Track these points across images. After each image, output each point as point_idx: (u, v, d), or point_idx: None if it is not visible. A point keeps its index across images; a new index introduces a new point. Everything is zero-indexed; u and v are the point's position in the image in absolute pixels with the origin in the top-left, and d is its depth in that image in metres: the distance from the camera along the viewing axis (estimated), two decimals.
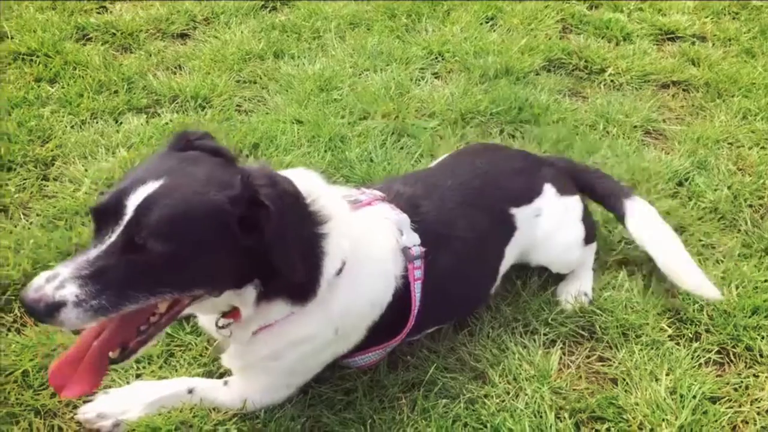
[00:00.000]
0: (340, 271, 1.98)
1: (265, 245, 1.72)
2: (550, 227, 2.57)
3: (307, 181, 1.99)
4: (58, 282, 1.58)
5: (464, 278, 2.37)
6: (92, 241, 1.67)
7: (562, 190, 2.62)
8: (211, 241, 1.69)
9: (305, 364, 2.16)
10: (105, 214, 1.67)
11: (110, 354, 1.78)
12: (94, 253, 1.62)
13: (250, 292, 1.87)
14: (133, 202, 1.64)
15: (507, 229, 2.50)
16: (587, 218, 2.71)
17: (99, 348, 1.77)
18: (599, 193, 2.81)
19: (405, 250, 2.16)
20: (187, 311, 1.92)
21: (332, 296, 1.98)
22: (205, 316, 2.15)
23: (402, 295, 2.16)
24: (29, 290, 1.58)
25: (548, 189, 2.58)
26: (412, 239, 2.19)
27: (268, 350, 2.05)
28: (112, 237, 1.63)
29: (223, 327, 2.00)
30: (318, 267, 1.93)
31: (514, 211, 2.49)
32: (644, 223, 2.68)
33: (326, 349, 2.13)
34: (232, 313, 1.97)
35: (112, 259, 1.62)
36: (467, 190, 2.43)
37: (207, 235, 1.68)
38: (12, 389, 2.18)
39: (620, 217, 2.73)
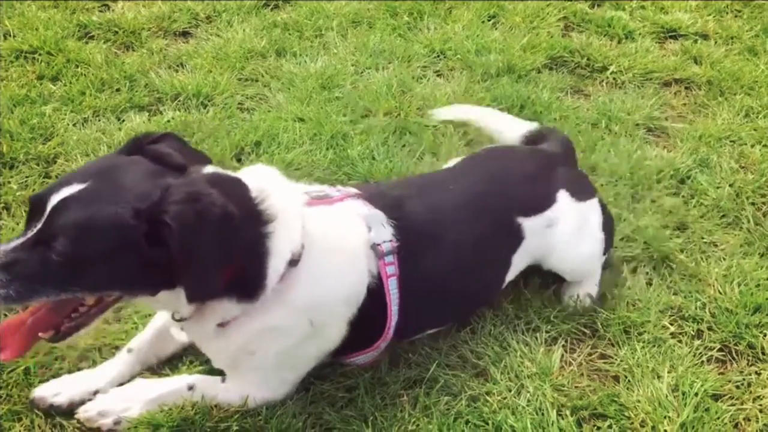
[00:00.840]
0: (296, 263, 1.98)
1: (174, 261, 1.73)
2: (567, 236, 2.48)
3: (260, 179, 2.01)
4: None
5: (456, 280, 2.32)
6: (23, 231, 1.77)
7: (579, 196, 2.52)
8: (112, 251, 1.74)
9: (290, 358, 2.14)
10: (33, 207, 1.77)
11: (40, 334, 1.87)
12: (12, 244, 1.73)
13: (180, 294, 1.85)
14: (53, 200, 1.72)
15: (513, 237, 2.43)
16: (608, 223, 2.62)
17: (33, 323, 1.88)
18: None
19: (374, 247, 2.14)
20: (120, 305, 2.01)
21: (291, 288, 1.98)
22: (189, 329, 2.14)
23: (379, 291, 2.14)
24: None
25: (563, 197, 2.49)
26: (381, 235, 2.16)
27: (237, 344, 2.04)
28: (33, 231, 1.72)
29: (179, 320, 2.02)
30: (262, 266, 1.93)
31: (521, 220, 2.42)
32: None
33: (307, 342, 2.12)
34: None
35: (25, 252, 1.71)
36: (468, 194, 2.39)
37: (108, 244, 1.73)
38: (14, 387, 2.19)
39: None
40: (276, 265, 1.95)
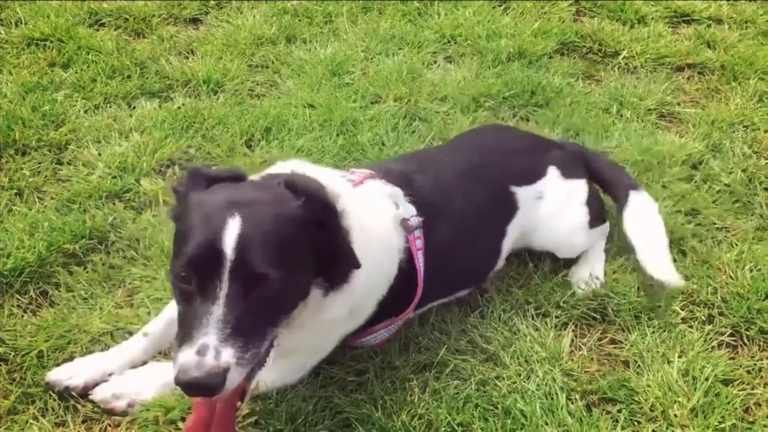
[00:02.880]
0: None
1: (333, 241, 1.80)
2: (552, 211, 2.58)
3: (305, 169, 2.04)
4: (214, 351, 1.58)
5: (463, 248, 2.38)
6: (199, 298, 1.64)
7: (568, 174, 2.62)
8: (305, 250, 1.77)
9: (321, 345, 2.18)
10: (202, 265, 1.65)
11: (237, 403, 1.81)
12: (219, 309, 1.62)
13: (314, 293, 1.91)
14: (228, 244, 1.64)
15: (508, 206, 2.52)
16: (593, 201, 2.69)
17: (226, 404, 1.78)
18: (607, 181, 2.81)
19: (404, 222, 2.19)
20: None
21: (355, 274, 1.99)
22: None
23: (406, 266, 2.18)
24: (191, 371, 1.55)
25: (552, 171, 2.59)
26: (409, 210, 2.22)
27: (300, 337, 2.04)
28: (223, 287, 1.63)
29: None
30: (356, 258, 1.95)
31: (514, 189, 2.51)
32: (639, 213, 2.68)
33: (340, 328, 2.15)
34: None
35: (239, 307, 1.63)
36: (466, 165, 2.47)
37: (301, 245, 1.76)
38: (27, 370, 2.21)
39: (620, 207, 2.72)
40: (354, 241, 1.97)
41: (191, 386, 1.57)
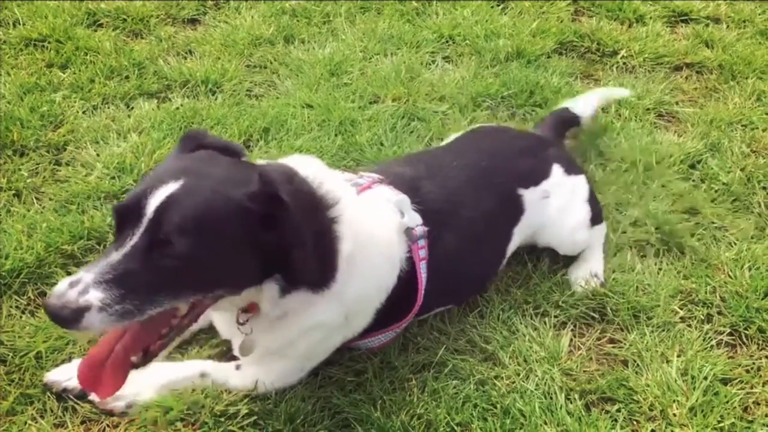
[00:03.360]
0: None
1: (284, 242, 1.72)
2: (558, 209, 2.58)
3: (311, 166, 2.00)
4: (82, 287, 1.58)
5: (469, 257, 2.36)
6: (113, 243, 1.67)
7: (570, 170, 2.63)
8: (233, 238, 1.70)
9: (317, 350, 2.18)
10: (126, 215, 1.66)
11: (132, 358, 1.79)
12: (116, 256, 1.62)
13: (271, 287, 1.87)
14: (153, 203, 1.64)
15: (515, 209, 2.50)
16: (593, 199, 2.70)
17: (122, 352, 1.78)
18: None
19: (408, 231, 2.17)
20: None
21: (343, 281, 1.98)
22: (221, 316, 2.15)
23: (407, 276, 2.16)
24: (52, 296, 1.58)
25: (556, 170, 2.59)
26: (414, 219, 2.20)
27: (284, 339, 2.06)
28: (134, 239, 1.63)
29: (243, 323, 2.00)
30: (334, 251, 1.93)
31: (522, 192, 2.50)
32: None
33: (337, 333, 2.15)
34: (250, 306, 1.98)
35: (135, 262, 1.62)
36: (473, 170, 2.44)
37: (229, 231, 1.69)
38: (26, 371, 2.21)
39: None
40: (345, 249, 1.94)
41: (47, 311, 1.58)
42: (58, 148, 3.16)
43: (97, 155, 3.09)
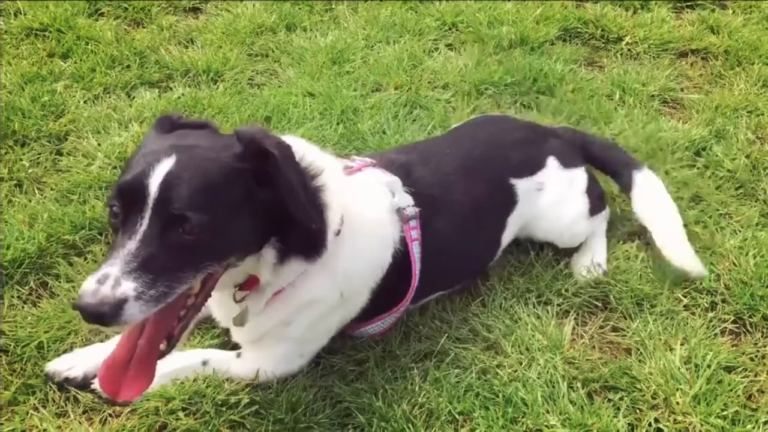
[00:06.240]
0: (338, 232, 1.99)
1: (279, 194, 1.74)
2: (552, 202, 2.57)
3: (293, 142, 1.99)
4: (113, 281, 1.57)
5: (463, 241, 2.37)
6: (120, 231, 1.66)
7: (567, 163, 2.61)
8: (236, 201, 1.73)
9: (315, 330, 2.17)
10: (128, 201, 1.66)
11: (160, 346, 1.80)
12: (133, 244, 1.62)
13: (269, 253, 1.88)
14: (154, 182, 1.64)
15: (508, 199, 2.51)
16: (592, 188, 2.68)
17: (148, 344, 1.78)
18: (608, 164, 2.80)
19: (399, 211, 2.19)
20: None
21: (335, 256, 2.00)
22: (219, 302, 2.15)
23: (402, 257, 2.18)
24: (84, 297, 1.56)
25: (551, 162, 2.58)
26: (405, 200, 2.22)
27: (279, 316, 2.07)
28: (144, 222, 1.63)
29: (240, 300, 2.00)
30: (322, 219, 1.93)
31: (514, 181, 2.50)
32: (648, 194, 2.67)
33: (333, 313, 2.15)
34: (248, 284, 1.98)
35: (154, 244, 1.62)
36: (466, 158, 2.46)
37: (231, 195, 1.72)
38: (27, 361, 2.21)
39: (626, 188, 2.72)
40: (333, 218, 1.96)
41: (84, 312, 1.57)
42: (60, 137, 3.15)
43: (99, 145, 3.08)
